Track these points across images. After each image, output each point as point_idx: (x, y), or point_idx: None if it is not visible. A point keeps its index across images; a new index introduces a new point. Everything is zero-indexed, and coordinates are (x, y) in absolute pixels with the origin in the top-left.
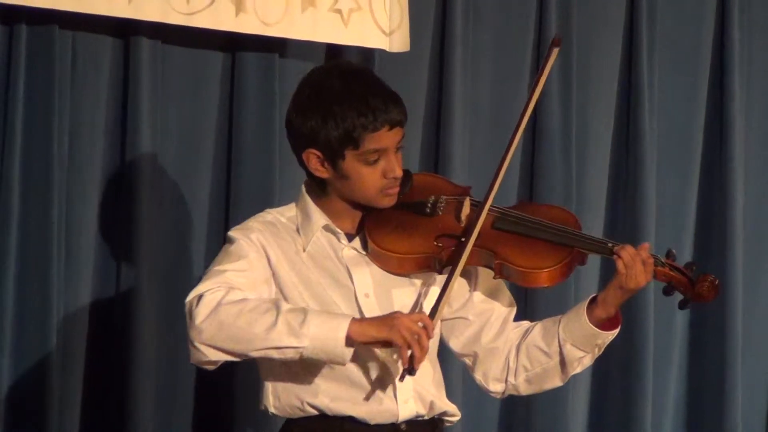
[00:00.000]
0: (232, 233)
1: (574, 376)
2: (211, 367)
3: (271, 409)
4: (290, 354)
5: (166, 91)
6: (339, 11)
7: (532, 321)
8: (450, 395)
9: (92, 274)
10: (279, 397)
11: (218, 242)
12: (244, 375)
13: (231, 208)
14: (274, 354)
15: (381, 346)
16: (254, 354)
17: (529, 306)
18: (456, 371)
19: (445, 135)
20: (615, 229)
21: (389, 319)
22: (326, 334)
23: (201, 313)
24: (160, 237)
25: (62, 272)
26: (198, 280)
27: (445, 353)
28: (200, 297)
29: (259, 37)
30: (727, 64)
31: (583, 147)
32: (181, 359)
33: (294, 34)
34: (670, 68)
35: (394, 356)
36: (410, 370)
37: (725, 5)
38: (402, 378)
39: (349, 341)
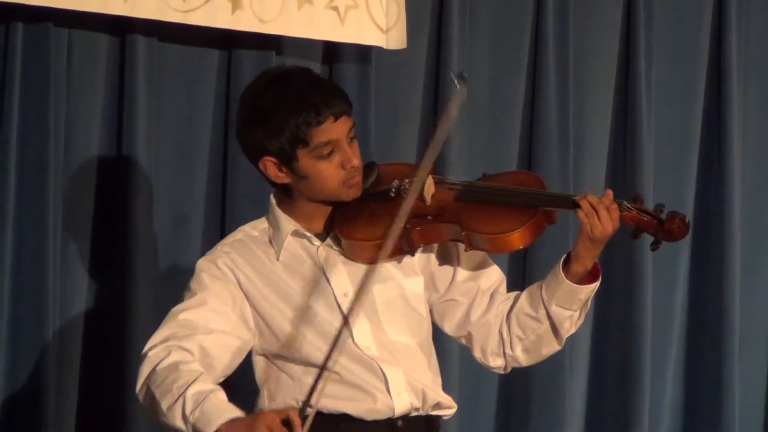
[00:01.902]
0: (198, 263)
1: (572, 375)
2: None
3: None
4: None
5: (161, 89)
6: (336, 8)
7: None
8: (446, 388)
9: (88, 273)
10: (275, 399)
11: (215, 240)
12: (239, 377)
13: (227, 206)
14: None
15: None
16: (171, 427)
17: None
18: (452, 363)
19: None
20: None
21: (253, 419)
22: (201, 429)
23: (141, 377)
24: (156, 235)
25: (58, 271)
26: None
27: (441, 347)
28: (146, 354)
29: (256, 35)
30: (724, 61)
31: (580, 144)
32: None
33: (291, 32)
34: (668, 65)
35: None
36: None
37: (722, 2)
38: None
39: None
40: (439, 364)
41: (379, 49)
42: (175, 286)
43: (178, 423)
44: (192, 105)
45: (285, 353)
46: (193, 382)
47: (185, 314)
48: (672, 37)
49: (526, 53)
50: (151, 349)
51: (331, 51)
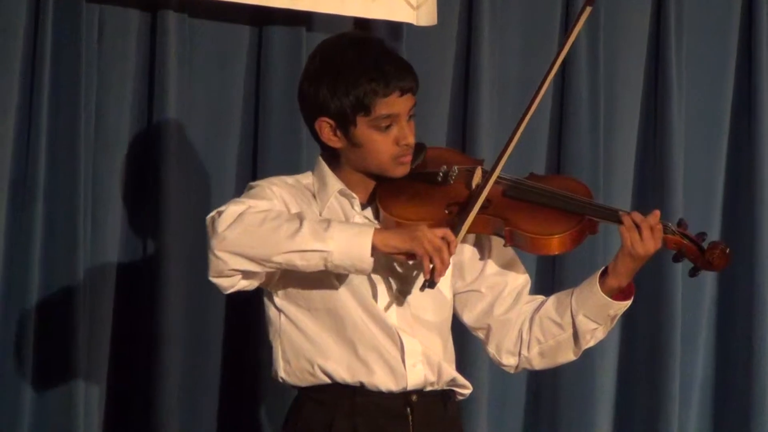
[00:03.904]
0: (253, 183)
1: (602, 351)
2: (227, 284)
3: (282, 374)
4: (314, 260)
5: (193, 65)
6: None
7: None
8: (476, 367)
9: (119, 247)
10: (289, 361)
11: None
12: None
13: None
14: (298, 260)
15: (404, 258)
16: (277, 259)
17: (557, 277)
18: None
19: (473, 109)
20: (642, 206)
21: (412, 230)
22: (351, 240)
23: (224, 222)
24: (186, 211)
25: (89, 246)
26: None
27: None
28: (221, 212)
29: (286, 11)
30: (755, 40)
31: (610, 124)
32: (209, 329)
33: (321, 8)
34: (699, 44)
35: (413, 273)
36: (431, 283)
37: None
38: (422, 289)
39: (373, 250)
40: (470, 346)
41: (410, 25)
42: (206, 258)
43: (311, 245)
44: (223, 81)
45: (306, 298)
46: (302, 214)
47: (252, 201)
48: (702, 15)
49: (556, 30)
50: (227, 207)
51: (362, 27)
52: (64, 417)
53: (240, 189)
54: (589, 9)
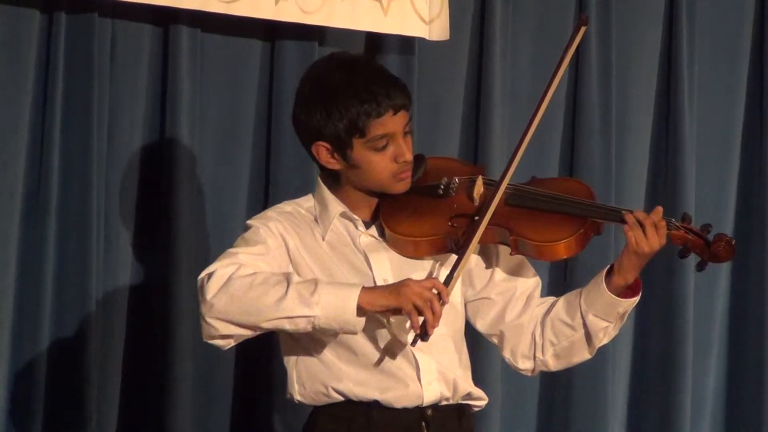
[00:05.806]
0: (249, 222)
1: (614, 363)
2: (223, 344)
3: (297, 397)
4: (302, 324)
5: (205, 80)
6: None
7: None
8: (489, 379)
9: (131, 263)
10: (304, 385)
11: None
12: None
13: (270, 197)
14: (286, 325)
15: (392, 314)
16: (266, 325)
17: (569, 278)
18: (495, 355)
19: (485, 123)
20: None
21: (398, 286)
22: (337, 303)
23: (212, 289)
24: (198, 225)
25: (101, 262)
26: None
27: (481, 339)
28: (211, 274)
29: (299, 26)
30: (766, 48)
31: (622, 138)
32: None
33: (333, 23)
34: (710, 57)
35: (407, 324)
36: (422, 335)
37: None
38: (414, 343)
39: (361, 311)
40: (483, 355)
41: (422, 40)
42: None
43: (298, 310)
44: (235, 96)
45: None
46: (290, 276)
47: (243, 256)
48: (715, 29)
49: None
50: (216, 268)
51: (374, 42)
52: None
53: (252, 204)
54: (583, 29)
